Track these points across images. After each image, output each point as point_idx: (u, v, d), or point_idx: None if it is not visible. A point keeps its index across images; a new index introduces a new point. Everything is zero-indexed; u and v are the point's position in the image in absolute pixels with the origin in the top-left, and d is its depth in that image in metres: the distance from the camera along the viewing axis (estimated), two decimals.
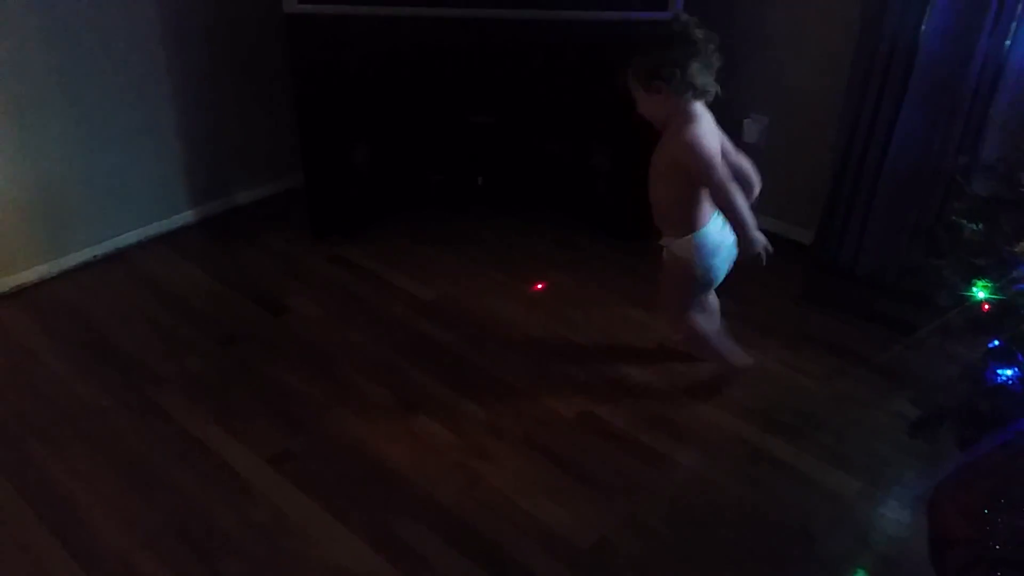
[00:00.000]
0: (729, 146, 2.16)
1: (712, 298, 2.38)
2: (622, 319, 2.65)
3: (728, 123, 3.00)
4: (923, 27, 2.42)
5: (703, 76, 1.99)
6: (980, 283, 1.69)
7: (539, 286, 2.50)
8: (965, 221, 1.72)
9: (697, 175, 2.04)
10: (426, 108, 3.00)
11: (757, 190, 2.19)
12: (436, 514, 1.97)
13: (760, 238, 2.07)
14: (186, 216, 3.09)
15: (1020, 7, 2.26)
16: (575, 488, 2.05)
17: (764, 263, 2.07)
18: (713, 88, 2.02)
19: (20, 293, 2.70)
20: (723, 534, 1.95)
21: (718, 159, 2.05)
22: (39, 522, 1.92)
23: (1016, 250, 1.66)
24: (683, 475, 2.10)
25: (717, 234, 2.15)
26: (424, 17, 2.59)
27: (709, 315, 2.38)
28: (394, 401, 2.31)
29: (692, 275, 2.18)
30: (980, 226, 1.70)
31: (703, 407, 2.31)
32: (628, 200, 3.00)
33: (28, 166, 2.62)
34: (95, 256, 2.87)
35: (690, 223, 2.12)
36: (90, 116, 2.70)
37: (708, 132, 2.06)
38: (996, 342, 1.72)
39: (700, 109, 2.06)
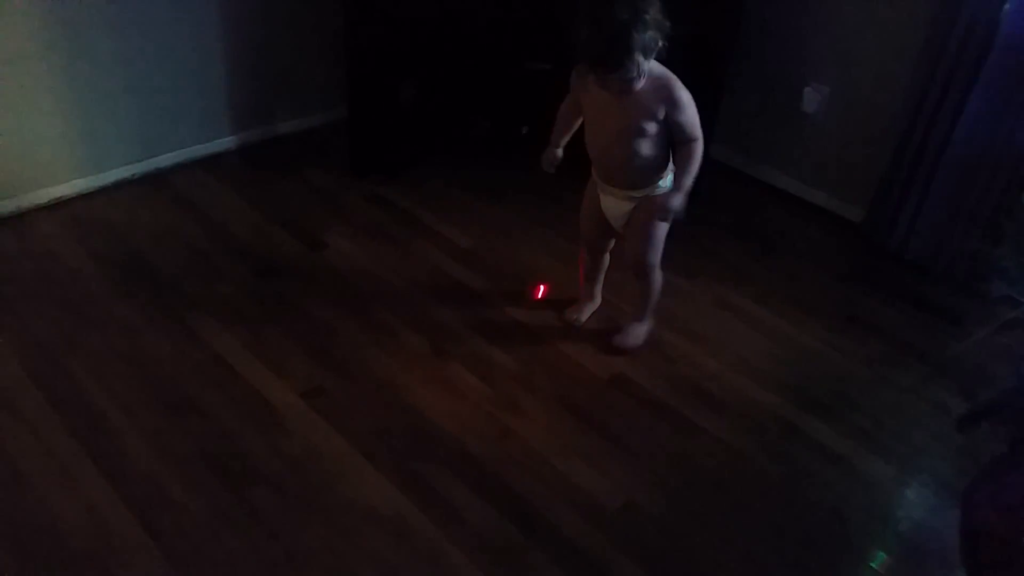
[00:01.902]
0: None
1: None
2: (663, 284, 2.59)
3: (787, 90, 2.95)
4: (1006, 6, 2.32)
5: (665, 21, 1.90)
6: None
7: (539, 293, 2.45)
8: None
9: (690, 128, 2.01)
10: (479, 50, 2.93)
11: None
12: (465, 463, 1.96)
13: (682, 201, 2.05)
14: (227, 141, 3.04)
15: None
16: (605, 449, 2.03)
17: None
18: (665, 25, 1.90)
19: (58, 206, 2.69)
20: (753, 507, 1.93)
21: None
22: (70, 436, 1.92)
23: None
24: (716, 446, 2.08)
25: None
26: None
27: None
28: (428, 346, 2.28)
29: (670, 215, 2.12)
30: None
31: (740, 379, 2.27)
32: None
33: (72, 80, 2.58)
34: (133, 174, 2.84)
35: (668, 166, 2.11)
36: (137, 34, 2.65)
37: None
38: None
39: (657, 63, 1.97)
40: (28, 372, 2.08)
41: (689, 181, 2.04)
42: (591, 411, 2.13)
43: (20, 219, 2.60)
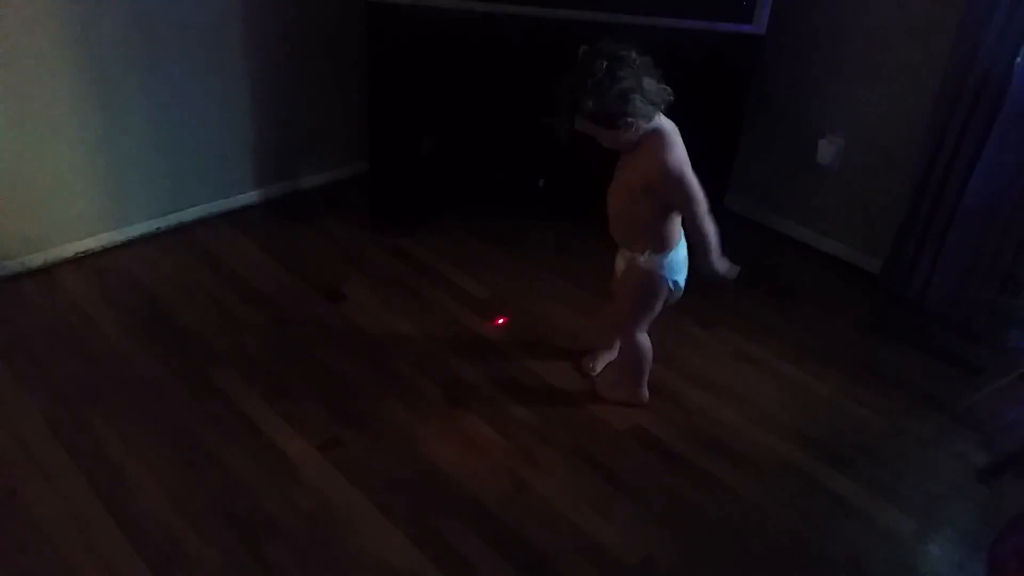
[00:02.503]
0: None
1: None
2: (679, 334, 2.60)
3: (802, 142, 2.98)
4: (1018, 59, 2.34)
5: (657, 87, 1.90)
6: None
7: (500, 321, 2.45)
8: None
9: (678, 204, 1.98)
10: (496, 105, 2.98)
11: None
12: (481, 517, 1.95)
13: (723, 264, 2.06)
14: (250, 196, 3.11)
15: None
16: (623, 503, 2.02)
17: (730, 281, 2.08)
18: (666, 92, 1.93)
19: (83, 259, 2.74)
20: (772, 562, 1.91)
21: (698, 186, 1.95)
22: (89, 488, 1.94)
23: None
24: (734, 498, 2.06)
25: (684, 250, 2.11)
26: (503, 14, 2.57)
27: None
28: (444, 398, 2.29)
29: (662, 290, 2.11)
30: None
31: (758, 430, 2.26)
32: None
33: (101, 135, 2.66)
34: (158, 228, 2.91)
35: (662, 242, 2.06)
36: (167, 92, 2.73)
37: (683, 152, 1.96)
38: None
39: (666, 123, 1.97)
40: (50, 424, 2.11)
41: (712, 243, 2.01)
42: (609, 463, 2.12)
43: (47, 272, 2.66)
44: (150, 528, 1.86)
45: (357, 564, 1.82)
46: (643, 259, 2.09)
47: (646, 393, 2.31)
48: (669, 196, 1.97)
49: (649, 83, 1.88)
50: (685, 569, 1.87)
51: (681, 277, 2.12)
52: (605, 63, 1.84)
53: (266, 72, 2.94)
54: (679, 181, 1.93)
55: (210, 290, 2.65)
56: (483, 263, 2.89)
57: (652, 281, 2.09)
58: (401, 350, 2.45)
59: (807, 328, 2.67)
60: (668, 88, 1.91)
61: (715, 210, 3.02)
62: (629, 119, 1.88)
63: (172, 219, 2.93)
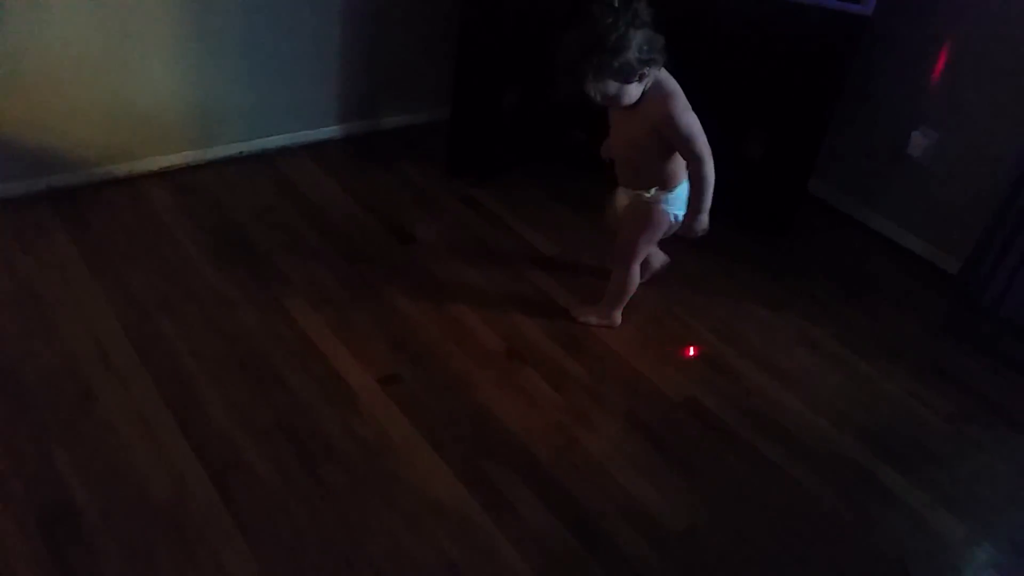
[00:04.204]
0: None
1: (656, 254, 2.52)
2: (744, 313, 2.58)
3: (895, 132, 2.89)
4: None
5: (655, 34, 1.93)
6: None
7: (691, 352, 2.44)
8: None
9: (682, 149, 2.06)
10: None
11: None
12: (530, 467, 1.97)
13: (705, 221, 2.14)
14: (332, 130, 3.13)
15: None
16: (671, 472, 2.03)
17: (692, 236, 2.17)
18: (662, 39, 1.95)
19: (166, 174, 2.81)
20: (817, 549, 1.90)
21: (703, 139, 2.04)
22: (158, 392, 2.01)
23: None
24: (784, 482, 2.05)
25: (686, 187, 2.18)
26: None
27: (647, 267, 2.49)
28: (504, 348, 2.31)
29: (664, 222, 2.23)
30: None
31: (816, 417, 2.23)
32: (776, 193, 2.91)
33: (195, 57, 2.70)
34: (241, 152, 2.95)
35: (669, 180, 2.17)
36: (260, 21, 2.76)
37: (687, 102, 2.04)
38: None
39: (668, 76, 2.04)
40: (124, 326, 2.18)
41: (704, 202, 2.11)
42: (660, 431, 2.13)
43: (132, 183, 2.73)
44: (213, 439, 1.92)
45: (407, 496, 1.86)
46: (649, 195, 2.20)
47: (619, 317, 2.43)
48: (679, 135, 2.02)
49: (653, 35, 1.92)
50: (728, 543, 1.87)
51: (681, 211, 2.20)
52: (615, 16, 1.86)
53: (358, 7, 2.94)
54: (688, 136, 2.02)
55: (285, 218, 2.70)
56: (553, 220, 2.88)
57: (657, 214, 2.21)
58: (465, 297, 2.47)
59: (877, 321, 2.62)
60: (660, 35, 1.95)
61: (799, 194, 2.98)
62: (647, 70, 1.94)
63: (256, 144, 2.97)
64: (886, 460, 2.14)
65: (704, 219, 2.14)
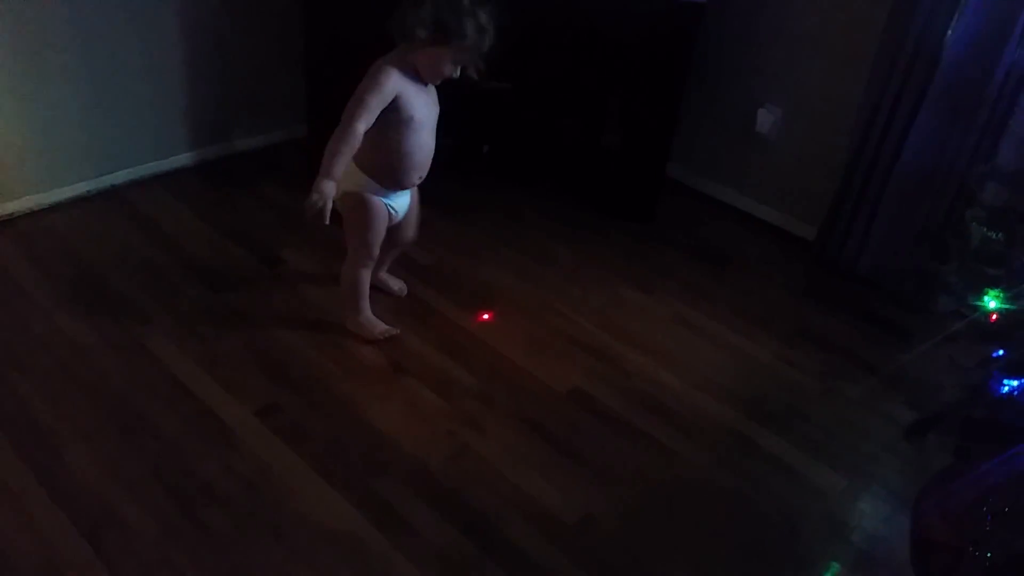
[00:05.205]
0: None
1: None
2: (620, 299, 2.63)
3: (741, 111, 3.01)
4: (949, 32, 2.40)
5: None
6: (992, 293, 1.67)
7: (485, 316, 2.46)
8: (985, 229, 1.70)
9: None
10: None
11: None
12: (422, 479, 1.95)
13: (327, 190, 2.01)
14: (184, 158, 3.02)
15: None
16: (562, 464, 2.04)
17: (309, 217, 2.02)
18: None
19: (10, 222, 2.64)
20: (707, 521, 1.95)
21: (376, 99, 2.01)
22: (17, 457, 1.88)
23: None
24: (671, 459, 2.09)
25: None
26: None
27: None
28: (385, 362, 2.28)
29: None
30: (999, 235, 1.68)
31: (696, 392, 2.30)
32: (636, 181, 2.98)
33: (28, 95, 2.55)
34: (88, 191, 2.81)
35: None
36: (95, 50, 2.63)
37: (385, 73, 2.01)
38: (1001, 352, 1.72)
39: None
40: None
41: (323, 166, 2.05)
42: (549, 426, 2.14)
43: None
44: (83, 497, 1.81)
45: (295, 527, 1.80)
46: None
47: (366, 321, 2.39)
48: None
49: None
50: (624, 528, 1.90)
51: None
52: None
53: (196, 29, 2.84)
54: (373, 79, 2.04)
55: (142, 254, 2.58)
56: (426, 229, 2.85)
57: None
58: (340, 314, 2.41)
59: (744, 294, 2.72)
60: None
61: (659, 180, 3.06)
62: (443, 32, 1.97)
63: (104, 181, 2.83)
64: (765, 425, 2.21)
65: (323, 186, 2.01)
